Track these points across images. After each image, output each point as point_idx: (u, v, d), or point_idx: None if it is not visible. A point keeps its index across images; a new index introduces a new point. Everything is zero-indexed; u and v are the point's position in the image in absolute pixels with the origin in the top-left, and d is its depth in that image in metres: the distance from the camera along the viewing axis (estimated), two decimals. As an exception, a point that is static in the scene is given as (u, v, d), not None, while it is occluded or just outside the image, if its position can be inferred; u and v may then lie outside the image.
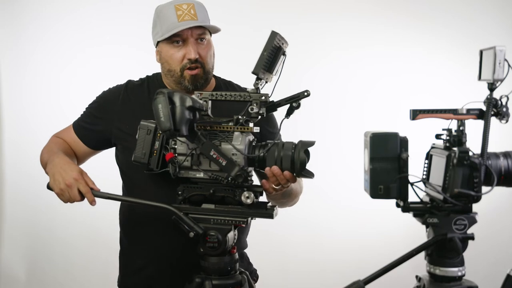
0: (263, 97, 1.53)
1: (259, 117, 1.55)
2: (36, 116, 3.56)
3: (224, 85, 1.94)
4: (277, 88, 1.90)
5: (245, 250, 1.97)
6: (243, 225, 1.58)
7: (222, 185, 1.55)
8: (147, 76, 1.95)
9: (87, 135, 1.89)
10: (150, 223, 1.81)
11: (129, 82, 1.93)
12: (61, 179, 1.64)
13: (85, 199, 1.66)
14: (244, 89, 1.86)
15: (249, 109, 1.52)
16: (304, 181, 1.90)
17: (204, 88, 1.81)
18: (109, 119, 1.86)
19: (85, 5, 3.50)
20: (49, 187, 1.70)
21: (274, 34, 1.49)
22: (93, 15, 3.50)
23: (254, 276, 2.00)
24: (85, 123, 1.91)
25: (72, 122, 1.94)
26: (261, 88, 1.56)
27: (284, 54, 1.56)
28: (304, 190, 1.95)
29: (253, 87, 1.54)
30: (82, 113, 1.94)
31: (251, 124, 1.55)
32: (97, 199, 1.66)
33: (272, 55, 1.51)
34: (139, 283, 1.88)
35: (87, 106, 1.94)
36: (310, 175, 1.54)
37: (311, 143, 1.51)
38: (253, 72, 1.50)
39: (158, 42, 1.80)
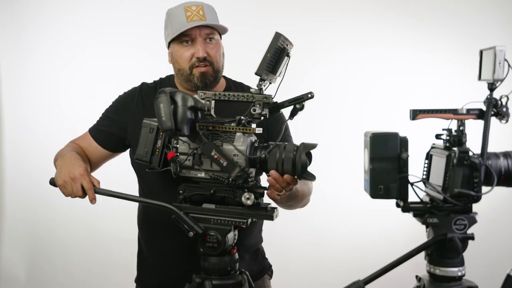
0: (266, 98, 1.51)
1: (262, 118, 1.53)
2: (36, 116, 3.57)
3: (234, 86, 1.96)
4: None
5: (262, 245, 2.05)
6: (243, 226, 1.57)
7: (223, 185, 1.54)
8: (160, 78, 2.00)
9: (104, 138, 1.93)
10: (159, 223, 1.84)
11: (143, 84, 1.98)
12: (67, 172, 1.67)
13: (86, 197, 1.67)
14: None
15: (252, 110, 1.51)
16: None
17: (213, 87, 1.85)
18: (124, 120, 1.90)
19: (85, 5, 3.50)
20: (52, 182, 1.71)
21: (277, 36, 1.47)
22: (93, 15, 3.51)
23: (269, 271, 2.06)
24: (101, 126, 1.95)
25: (88, 129, 2.00)
26: (265, 89, 1.54)
27: (288, 55, 1.54)
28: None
29: (256, 88, 1.53)
30: (98, 119, 1.99)
31: (253, 125, 1.53)
32: (98, 198, 1.67)
33: (275, 57, 1.49)
34: (151, 279, 1.94)
35: (103, 111, 1.99)
36: (311, 177, 1.52)
37: (313, 146, 1.49)
38: (256, 73, 1.49)
39: (170, 43, 1.86)
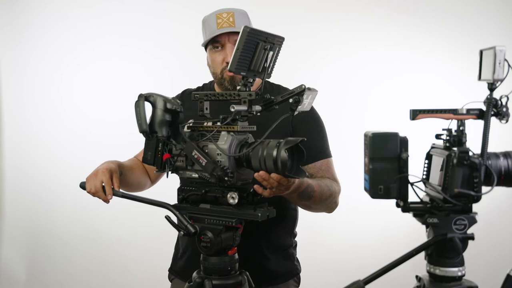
0: (251, 95, 1.50)
1: (250, 115, 1.52)
2: (36, 116, 3.57)
3: (270, 87, 2.01)
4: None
5: (295, 250, 2.08)
6: (239, 226, 1.57)
7: (213, 185, 1.54)
8: (204, 84, 2.12)
9: None
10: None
11: (186, 89, 2.09)
12: (94, 170, 1.76)
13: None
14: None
15: (230, 108, 1.49)
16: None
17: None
18: None
19: (85, 5, 3.51)
20: (81, 185, 1.78)
21: (244, 30, 1.43)
22: (93, 15, 3.51)
23: (296, 277, 2.05)
24: None
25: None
26: (251, 85, 1.53)
27: (265, 49, 1.49)
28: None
29: (241, 85, 1.52)
30: None
31: (240, 123, 1.52)
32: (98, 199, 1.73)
33: (248, 52, 1.46)
34: (180, 266, 2.08)
35: None
36: (300, 175, 1.47)
37: (296, 141, 1.42)
38: (229, 70, 1.47)
39: (206, 48, 1.97)
